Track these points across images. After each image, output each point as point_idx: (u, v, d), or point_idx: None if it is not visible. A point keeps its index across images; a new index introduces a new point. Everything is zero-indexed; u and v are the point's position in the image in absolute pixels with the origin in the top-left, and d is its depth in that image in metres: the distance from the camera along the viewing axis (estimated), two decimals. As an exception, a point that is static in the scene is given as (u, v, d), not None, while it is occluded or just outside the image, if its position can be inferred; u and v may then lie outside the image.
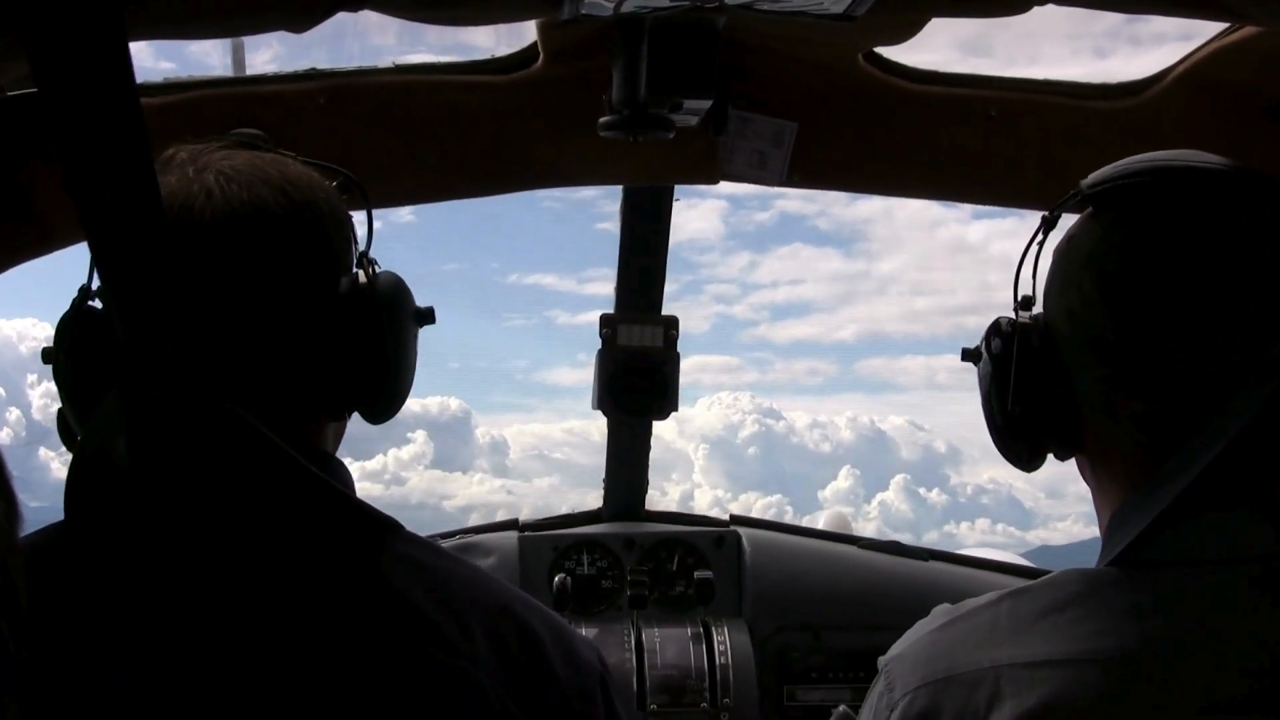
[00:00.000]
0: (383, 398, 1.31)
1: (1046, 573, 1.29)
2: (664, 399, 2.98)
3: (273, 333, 1.22)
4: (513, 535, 3.10)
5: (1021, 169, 2.25)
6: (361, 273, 1.28)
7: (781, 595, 3.02)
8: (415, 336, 1.35)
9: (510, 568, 3.01)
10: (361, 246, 1.33)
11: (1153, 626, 1.15)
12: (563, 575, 2.94)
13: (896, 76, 2.21)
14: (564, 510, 3.30)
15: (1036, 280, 1.37)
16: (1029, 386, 1.31)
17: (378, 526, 1.19)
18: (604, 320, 2.96)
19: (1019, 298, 1.36)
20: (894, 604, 2.88)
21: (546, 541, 3.10)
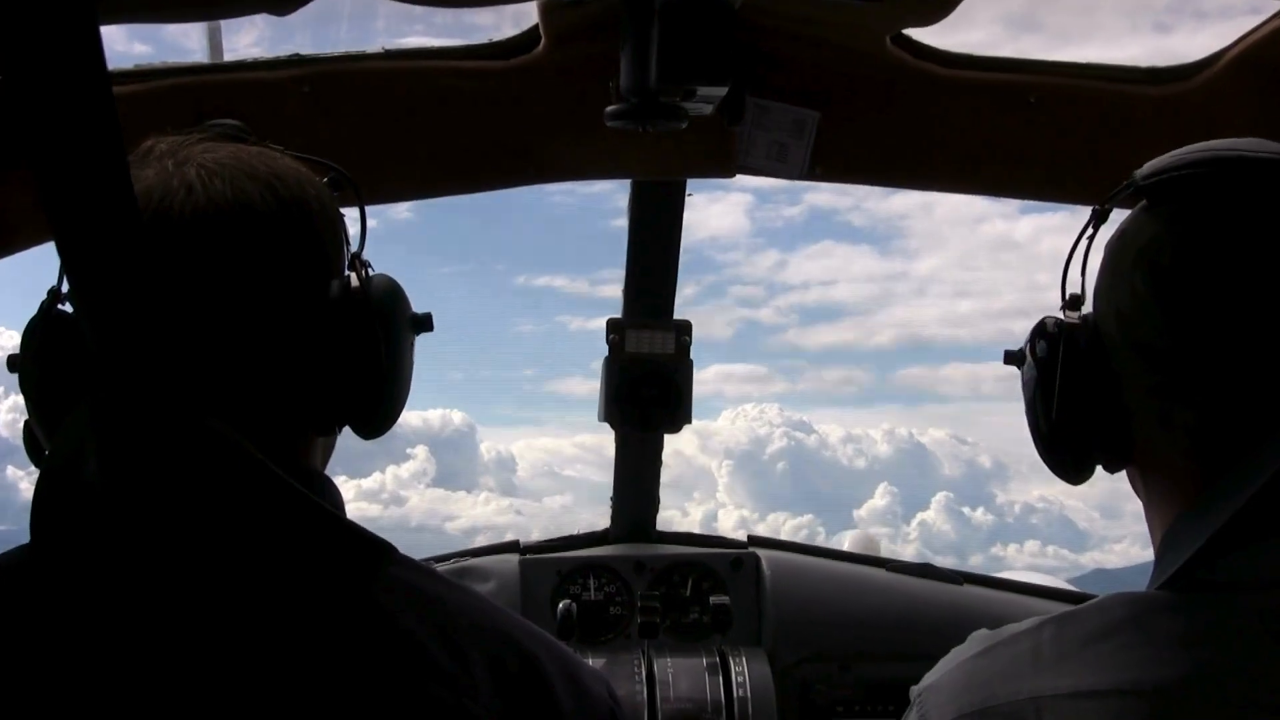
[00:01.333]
0: (376, 411, 1.30)
1: (1090, 597, 1.28)
2: (676, 410, 2.98)
3: (257, 340, 1.21)
4: (513, 558, 3.10)
5: (1064, 160, 2.24)
6: (354, 276, 1.27)
7: (804, 622, 3.01)
8: (411, 345, 1.35)
9: (511, 593, 3.01)
10: (354, 247, 1.33)
11: (1205, 656, 1.14)
12: (568, 601, 2.93)
13: (927, 61, 2.21)
14: (574, 531, 3.30)
15: (1086, 279, 1.36)
16: (1075, 393, 1.30)
17: (370, 550, 1.18)
18: (611, 325, 2.96)
19: (1066, 296, 1.35)
20: (926, 631, 2.86)
21: (550, 565, 3.10)
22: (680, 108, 1.98)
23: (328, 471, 1.37)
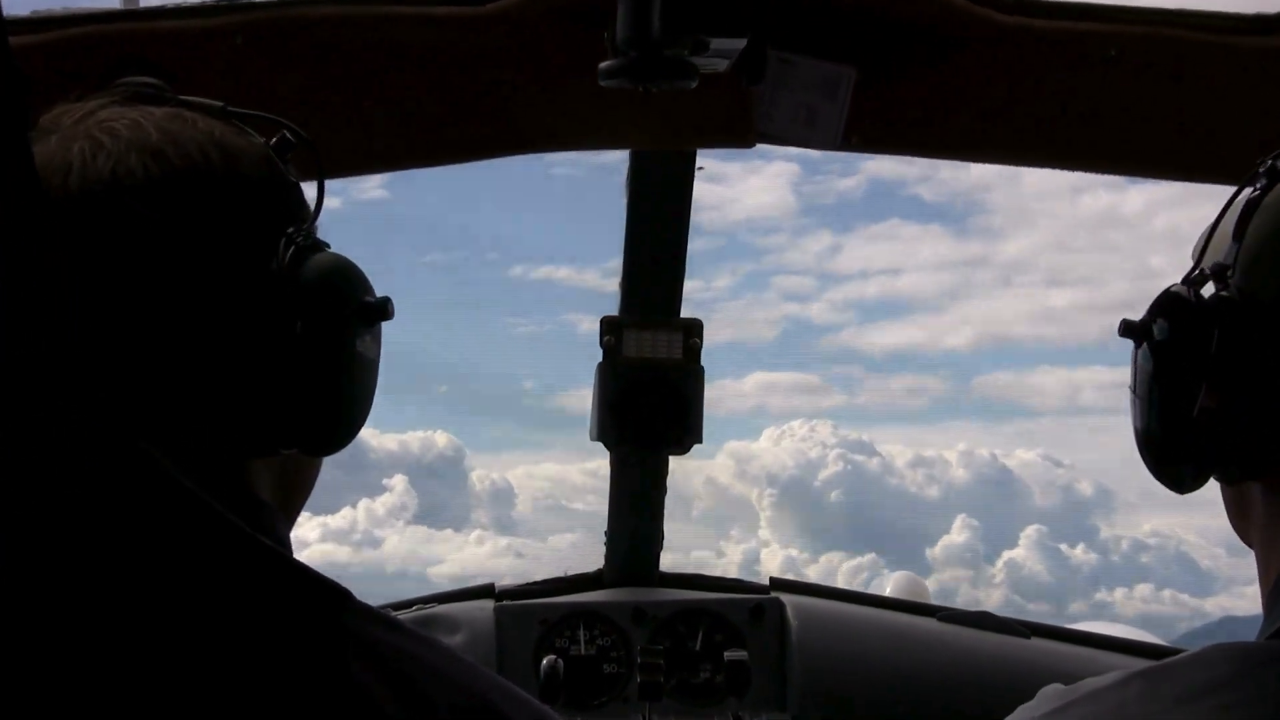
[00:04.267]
0: (319, 424, 1.29)
1: (1178, 652, 1.28)
2: (684, 426, 2.98)
3: (164, 346, 1.21)
4: (488, 605, 3.11)
5: (1151, 124, 2.24)
6: (285, 257, 1.26)
7: (837, 682, 3.02)
8: (369, 339, 1.34)
9: (485, 647, 3.01)
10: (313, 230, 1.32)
11: None
12: (552, 657, 2.91)
13: (984, 6, 2.20)
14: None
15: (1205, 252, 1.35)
16: (1225, 381, 1.28)
17: (320, 596, 1.18)
18: (606, 324, 2.97)
19: (1209, 266, 1.32)
20: (984, 692, 2.86)
21: (532, 613, 3.10)
22: (688, 63, 1.98)
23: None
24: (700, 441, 3.02)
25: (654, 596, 3.19)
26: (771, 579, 3.26)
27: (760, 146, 2.43)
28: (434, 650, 1.24)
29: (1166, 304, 1.34)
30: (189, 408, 1.23)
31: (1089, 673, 1.30)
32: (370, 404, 1.36)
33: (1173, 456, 1.35)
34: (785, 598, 3.16)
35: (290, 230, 1.28)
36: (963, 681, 2.98)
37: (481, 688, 1.23)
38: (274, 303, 1.24)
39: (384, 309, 1.34)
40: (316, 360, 1.26)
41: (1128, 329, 1.39)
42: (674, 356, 2.96)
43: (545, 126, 2.32)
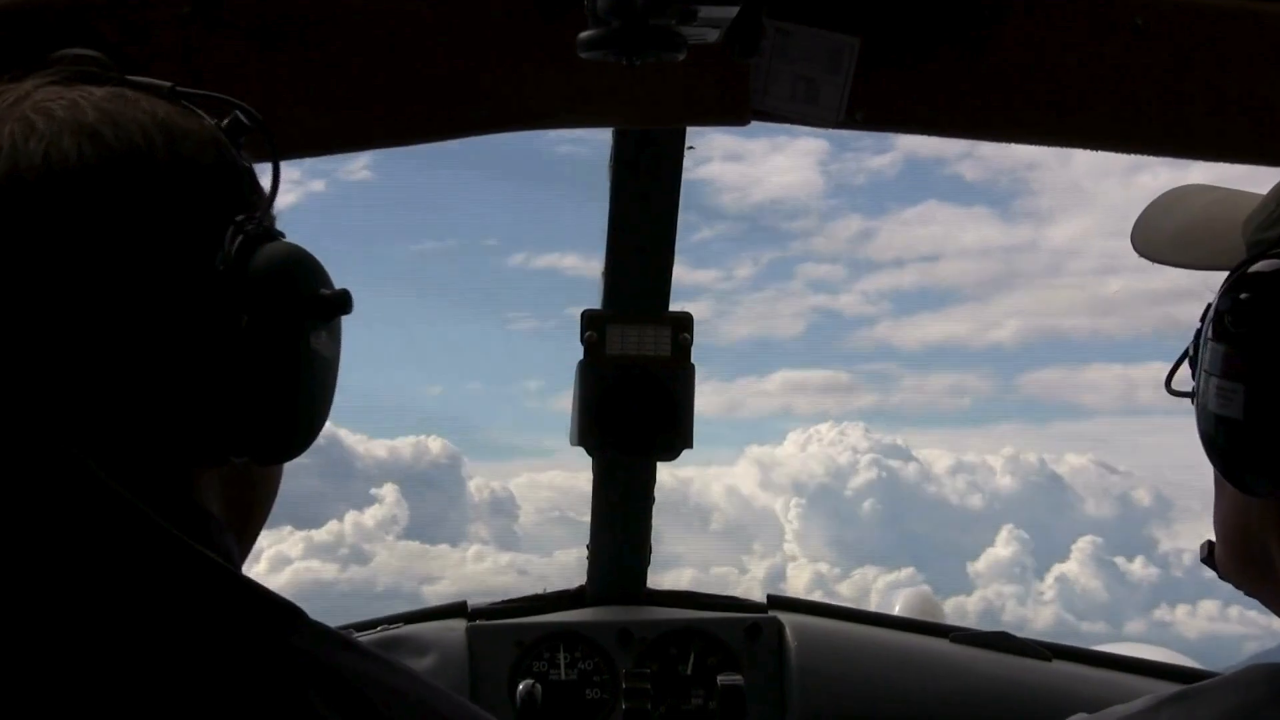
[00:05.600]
0: (268, 429, 1.29)
1: (1212, 675, 1.28)
2: (672, 431, 2.98)
3: (101, 345, 1.20)
4: (459, 625, 3.10)
5: (1182, 100, 2.23)
6: (233, 247, 1.26)
7: (839, 709, 3.01)
8: (325, 336, 1.33)
9: (456, 670, 3.01)
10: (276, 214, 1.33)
11: None
12: (530, 682, 2.92)
13: (1002, -30, 2.20)
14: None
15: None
16: None
17: (269, 614, 1.18)
18: (588, 319, 2.96)
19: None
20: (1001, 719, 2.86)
21: (507, 634, 3.09)
22: (676, 33, 1.97)
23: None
24: (690, 447, 3.02)
25: (641, 615, 3.18)
26: (769, 596, 3.26)
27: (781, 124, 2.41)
28: (395, 673, 1.24)
29: (1243, 283, 1.31)
30: (128, 412, 1.22)
31: (1115, 699, 1.30)
32: (327, 407, 1.35)
33: (1255, 454, 1.32)
34: (784, 616, 3.16)
35: (240, 218, 1.27)
36: (977, 708, 2.98)
37: (445, 711, 1.23)
38: (219, 297, 1.23)
39: (341, 302, 1.32)
40: (265, 359, 1.25)
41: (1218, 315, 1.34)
42: (661, 354, 2.95)
43: (520, 104, 2.31)
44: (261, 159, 1.35)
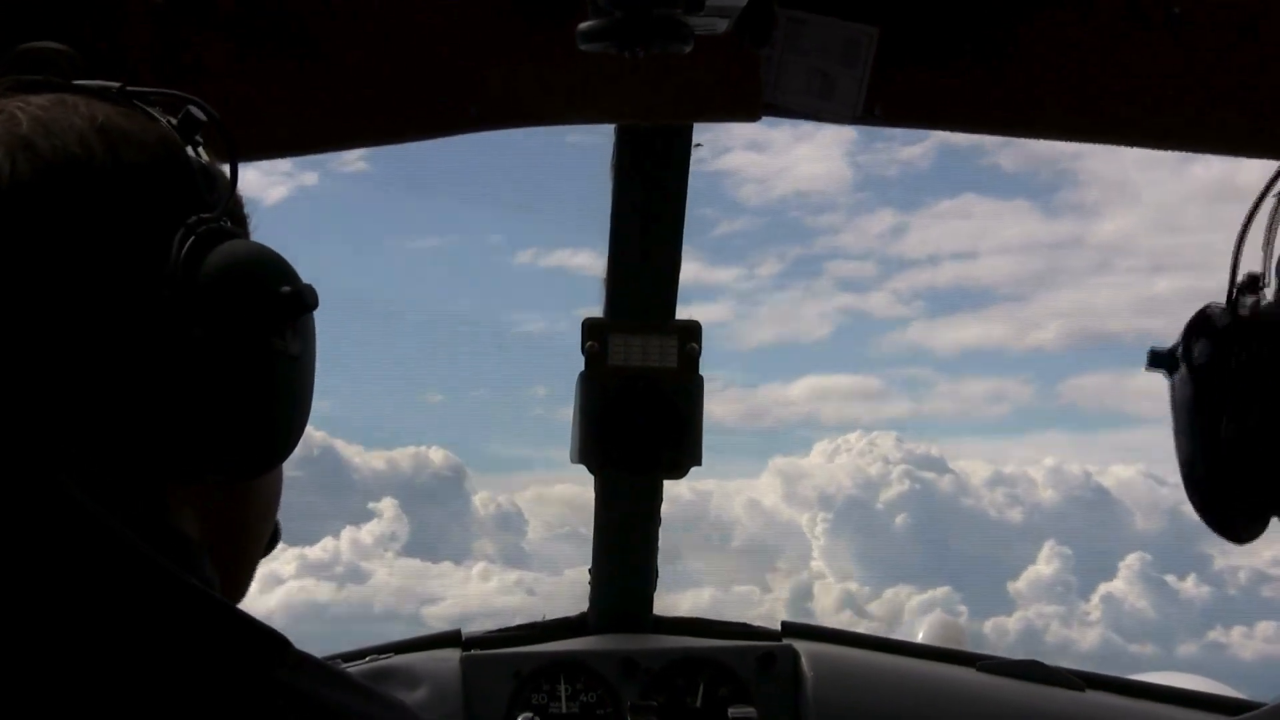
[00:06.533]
0: (234, 442, 1.28)
1: (1259, 706, 1.32)
2: (680, 447, 2.97)
3: (59, 362, 1.21)
4: (453, 655, 3.09)
5: (1222, 93, 2.23)
6: (182, 251, 1.25)
7: (860, 743, 3.00)
8: (289, 335, 1.32)
9: (450, 703, 3.00)
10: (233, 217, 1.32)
11: None
12: (529, 715, 2.92)
13: (1028, -45, 2.20)
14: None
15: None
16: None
17: (254, 645, 1.18)
18: (589, 328, 2.95)
19: (1239, 278, 1.35)
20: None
21: (504, 664, 3.09)
22: (682, 24, 1.96)
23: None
24: (699, 464, 3.02)
25: (647, 644, 3.17)
26: (784, 623, 3.25)
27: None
28: (386, 708, 1.24)
29: (1197, 327, 1.36)
30: (93, 432, 1.22)
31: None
32: (302, 412, 1.35)
33: (1220, 495, 1.37)
34: (799, 645, 3.15)
35: (191, 220, 1.27)
36: (1006, 742, 2.98)
37: None
38: (169, 304, 1.23)
39: (301, 299, 1.31)
40: (223, 367, 1.25)
41: (1155, 360, 1.42)
42: (668, 365, 2.94)
43: (514, 99, 2.30)
44: (224, 158, 1.34)
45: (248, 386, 1.27)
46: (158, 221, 1.25)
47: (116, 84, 1.30)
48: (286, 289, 1.30)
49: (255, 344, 1.28)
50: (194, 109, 1.33)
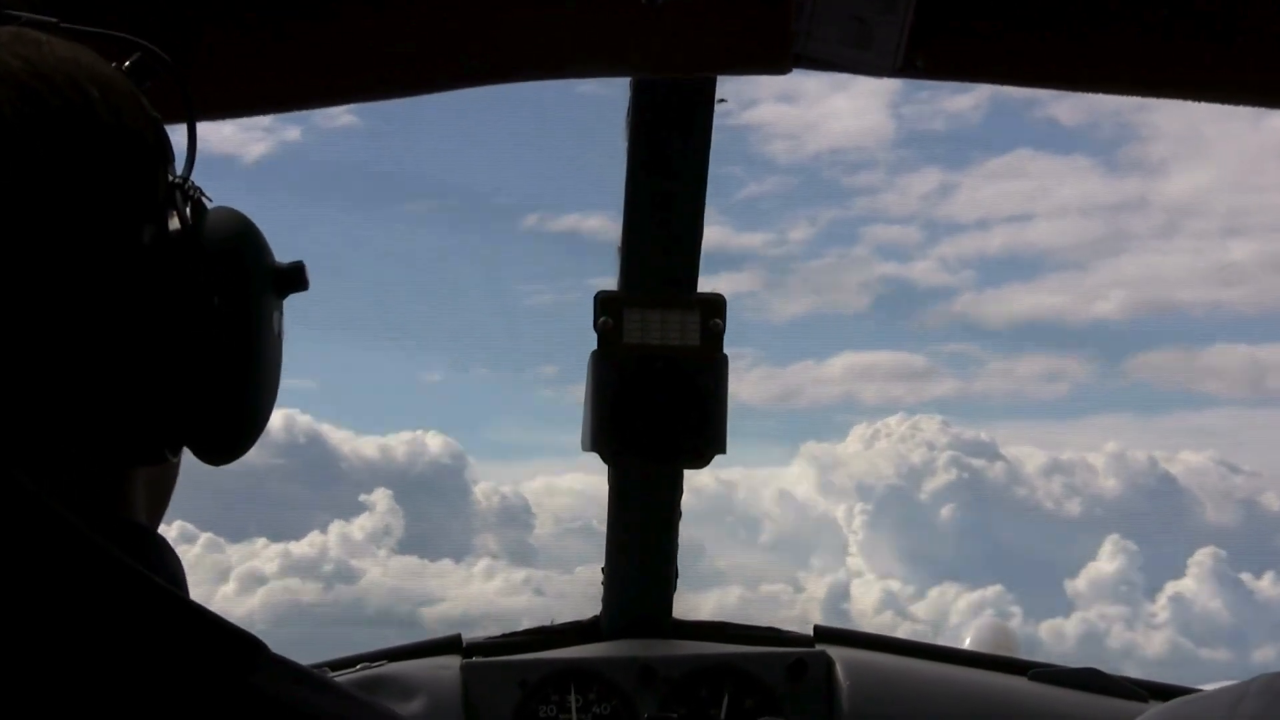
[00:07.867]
0: (221, 420, 1.31)
1: None
2: (702, 433, 2.97)
3: (29, 328, 1.20)
4: (453, 663, 3.11)
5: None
6: (175, 216, 1.26)
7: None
8: (276, 314, 1.35)
9: (449, 715, 3.01)
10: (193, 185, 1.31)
11: None
12: (536, 728, 2.93)
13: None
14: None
15: None
16: None
17: (225, 649, 1.18)
18: (602, 302, 2.95)
19: None
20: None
21: (509, 672, 3.10)
22: (705, -34, 1.96)
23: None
24: (723, 451, 3.02)
25: (666, 650, 3.18)
26: (816, 627, 3.27)
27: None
28: (377, 718, 1.26)
29: None
30: (65, 409, 1.23)
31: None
32: (275, 394, 1.38)
33: None
34: (833, 651, 3.16)
35: (177, 181, 1.28)
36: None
37: None
38: (167, 270, 1.25)
39: (298, 276, 1.35)
40: (229, 340, 1.28)
41: None
42: (689, 343, 2.94)
43: (518, 50, 2.30)
44: (170, 114, 1.33)
45: (239, 361, 1.30)
46: (141, 181, 1.26)
47: (51, 18, 1.30)
48: (285, 265, 1.36)
49: (255, 312, 1.31)
50: (148, 56, 1.35)
